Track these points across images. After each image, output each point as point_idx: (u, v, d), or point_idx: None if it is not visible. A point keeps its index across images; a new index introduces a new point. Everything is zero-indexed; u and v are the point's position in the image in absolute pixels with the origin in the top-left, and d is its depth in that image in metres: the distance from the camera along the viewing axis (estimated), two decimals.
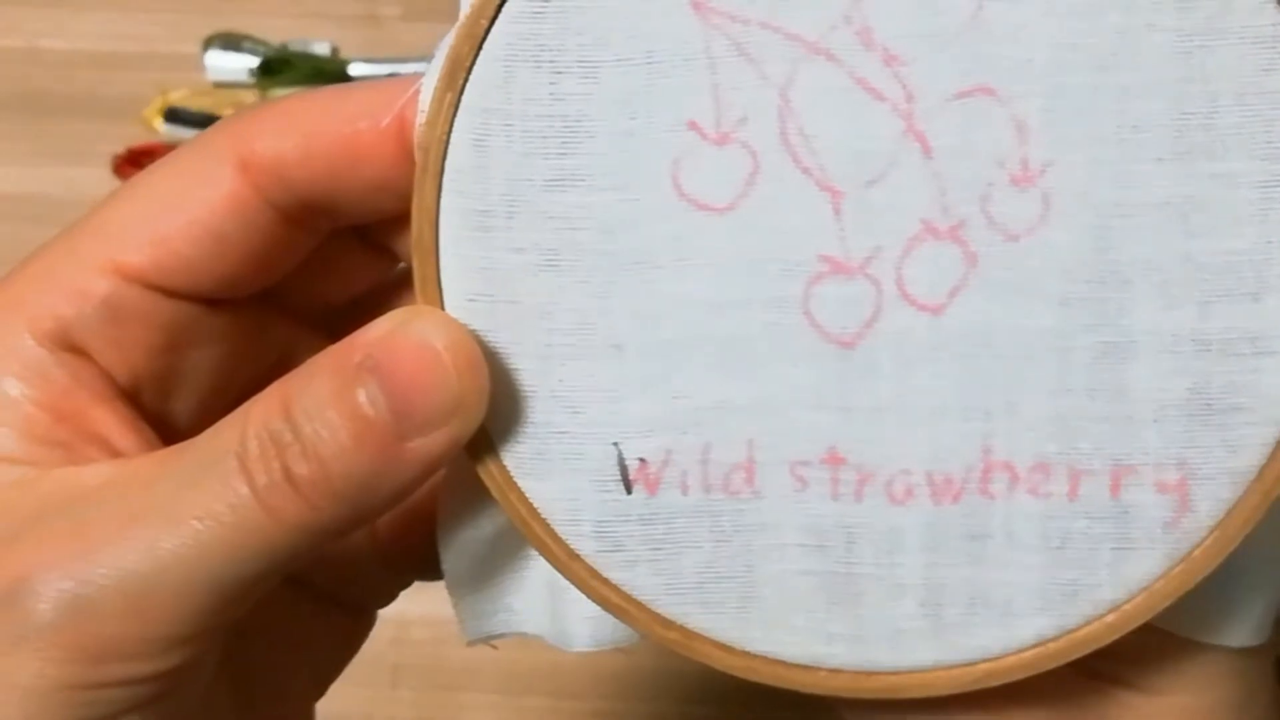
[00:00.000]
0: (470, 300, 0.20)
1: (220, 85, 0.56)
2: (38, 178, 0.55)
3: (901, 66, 0.19)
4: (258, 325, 0.24)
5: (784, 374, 0.20)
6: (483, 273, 0.20)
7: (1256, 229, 0.19)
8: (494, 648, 0.24)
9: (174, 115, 0.54)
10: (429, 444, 0.19)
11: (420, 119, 0.20)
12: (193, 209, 0.21)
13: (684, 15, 0.19)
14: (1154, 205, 0.19)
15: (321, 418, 0.19)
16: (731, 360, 0.20)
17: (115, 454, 0.21)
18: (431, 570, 0.25)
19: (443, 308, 0.20)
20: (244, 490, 0.19)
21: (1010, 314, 0.19)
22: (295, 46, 0.56)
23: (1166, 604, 0.20)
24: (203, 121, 0.54)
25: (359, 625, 0.27)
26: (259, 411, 0.19)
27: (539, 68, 0.19)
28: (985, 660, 0.20)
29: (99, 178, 0.53)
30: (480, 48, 0.19)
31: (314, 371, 0.19)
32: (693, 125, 0.19)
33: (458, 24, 0.20)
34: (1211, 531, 0.20)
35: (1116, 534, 0.20)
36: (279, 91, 0.53)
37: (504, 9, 0.19)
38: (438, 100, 0.19)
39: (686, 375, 0.20)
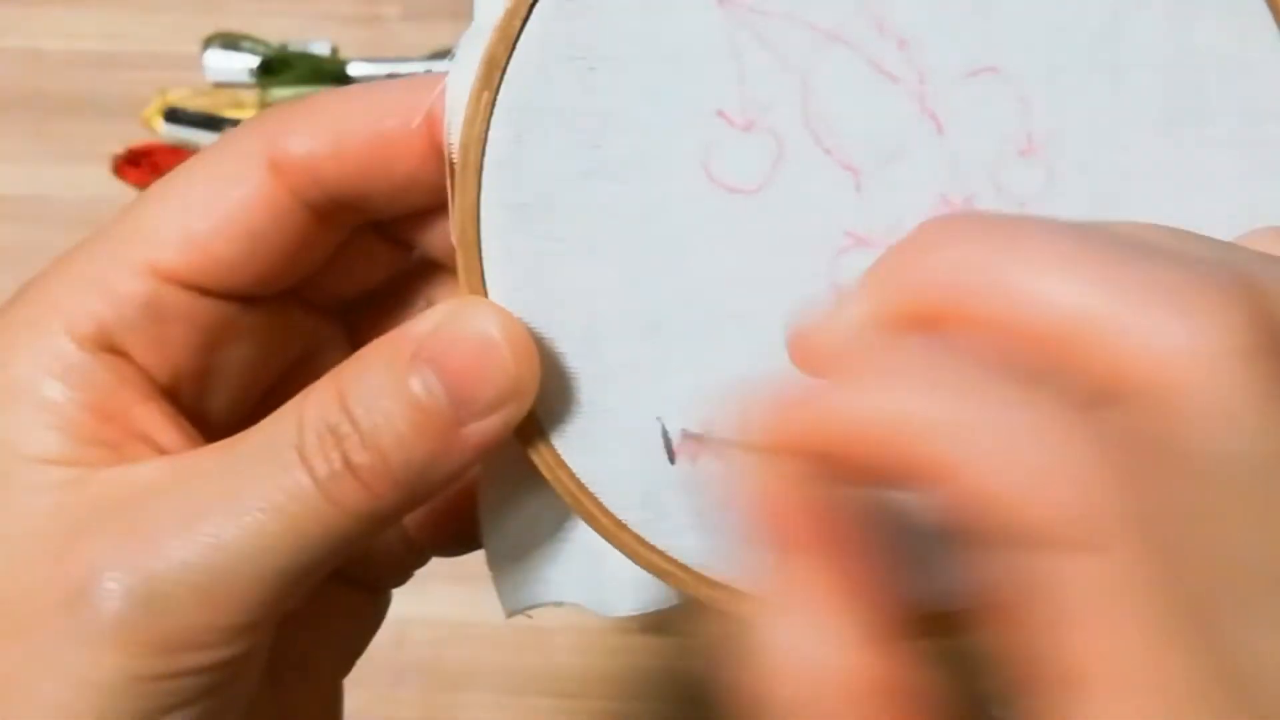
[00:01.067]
0: (514, 289, 0.21)
1: (220, 85, 0.56)
2: (38, 177, 0.55)
3: (913, 51, 0.20)
4: (285, 320, 0.24)
5: None
6: (525, 263, 0.21)
7: (1240, 187, 0.20)
8: (529, 617, 0.24)
9: (174, 115, 0.54)
10: (485, 428, 0.20)
11: (448, 116, 0.21)
12: (227, 208, 0.22)
13: (709, 10, 0.20)
14: (1147, 170, 0.20)
15: (379, 408, 0.20)
16: (764, 334, 0.21)
17: (160, 451, 0.21)
18: (451, 549, 0.27)
19: (487, 298, 0.21)
20: (306, 480, 0.20)
21: None
22: (295, 46, 0.56)
23: None
24: (202, 121, 0.54)
25: (378, 604, 0.28)
26: (315, 403, 0.20)
27: (571, 64, 0.20)
28: None
29: (99, 177, 0.54)
30: (514, 47, 0.20)
31: (368, 363, 0.20)
32: (720, 114, 0.20)
33: (480, 20, 0.20)
34: None
35: None
36: (279, 91, 0.54)
37: (535, 9, 0.20)
38: (475, 99, 0.20)
39: (723, 350, 0.21)
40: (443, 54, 0.55)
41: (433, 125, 0.21)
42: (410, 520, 0.27)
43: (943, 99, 0.20)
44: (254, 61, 0.55)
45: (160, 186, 0.22)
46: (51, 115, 0.56)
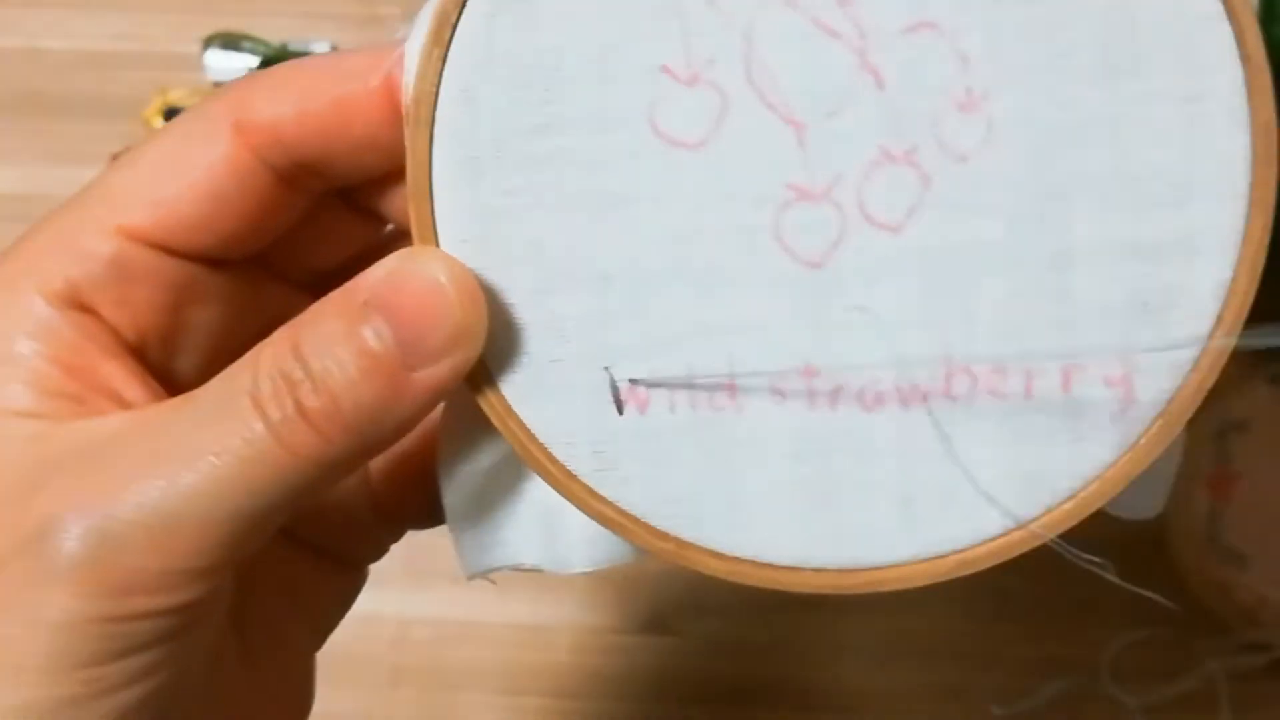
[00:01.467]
0: (464, 240, 0.21)
1: (220, 85, 0.56)
2: (38, 177, 0.55)
3: (853, 6, 0.21)
4: (254, 287, 0.25)
5: (759, 296, 0.21)
6: (475, 214, 0.21)
7: (1180, 141, 0.21)
8: (492, 582, 0.25)
9: (174, 115, 0.54)
10: (434, 373, 0.20)
11: (406, 78, 0.21)
12: (193, 171, 0.22)
13: None
14: (1086, 124, 0.21)
15: (330, 354, 0.20)
16: (710, 285, 0.21)
17: (125, 406, 0.22)
18: (422, 520, 0.27)
19: (439, 248, 0.21)
20: (259, 426, 0.20)
21: (963, 230, 0.21)
22: (295, 46, 0.56)
23: (1119, 489, 0.21)
24: None
25: (353, 579, 0.29)
26: (269, 353, 0.21)
27: (519, 20, 0.21)
28: (956, 552, 0.22)
29: None
30: (464, 5, 0.21)
31: (321, 312, 0.21)
32: (665, 69, 0.21)
33: None
34: (1155, 420, 0.21)
35: (1070, 427, 0.21)
36: None
37: None
38: (426, 55, 0.21)
39: (670, 301, 0.21)
40: None
41: (392, 88, 0.22)
42: (379, 488, 0.27)
43: (882, 54, 0.21)
44: (254, 61, 0.55)
45: (130, 152, 0.23)
46: (51, 115, 0.56)
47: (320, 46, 0.56)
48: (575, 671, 0.47)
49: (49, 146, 0.56)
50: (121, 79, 0.56)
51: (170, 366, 0.24)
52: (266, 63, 0.55)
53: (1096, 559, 0.21)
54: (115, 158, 0.53)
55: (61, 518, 0.20)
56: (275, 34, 0.56)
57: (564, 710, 0.46)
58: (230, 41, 0.56)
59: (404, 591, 0.47)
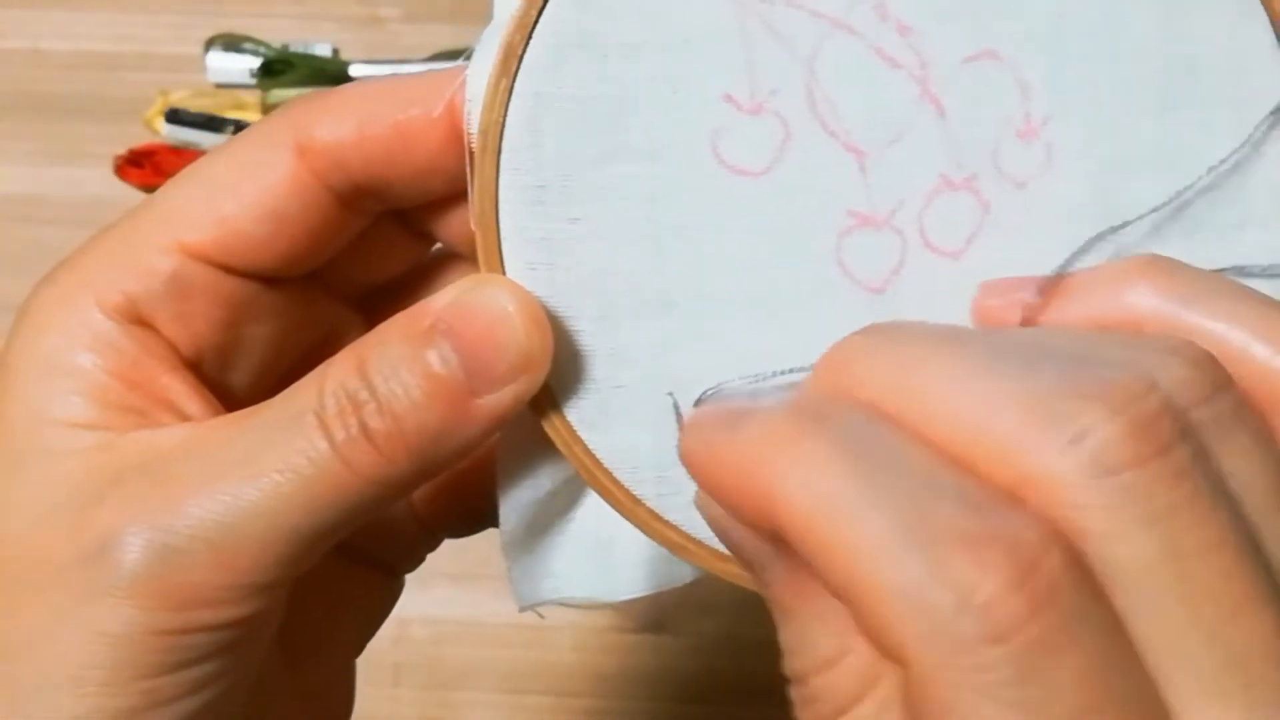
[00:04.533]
0: (530, 268, 0.21)
1: (221, 86, 0.56)
2: (40, 178, 0.55)
3: (915, 37, 0.21)
4: (307, 303, 0.25)
5: (821, 320, 0.21)
6: (541, 242, 0.21)
7: (1232, 168, 0.21)
8: (540, 615, 0.25)
9: (175, 116, 0.54)
10: (498, 400, 0.20)
11: (469, 106, 0.21)
12: (254, 191, 0.22)
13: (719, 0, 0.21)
14: (1145, 151, 0.21)
15: (396, 376, 0.20)
16: (773, 310, 0.22)
17: (184, 419, 0.22)
18: (460, 529, 0.27)
19: (505, 275, 0.22)
20: (323, 445, 0.20)
21: (1022, 254, 0.21)
22: (296, 48, 0.56)
23: None
24: (204, 122, 0.54)
25: (393, 587, 0.29)
26: (335, 373, 0.21)
27: (585, 52, 0.21)
28: None
29: (101, 178, 0.54)
30: (530, 36, 0.21)
31: (387, 334, 0.21)
32: (728, 98, 0.21)
33: (500, 18, 0.21)
34: None
35: None
36: (280, 92, 0.54)
37: (550, 0, 0.21)
38: (493, 86, 0.21)
39: (733, 326, 0.22)
40: (443, 55, 0.55)
41: (454, 115, 0.22)
42: (420, 498, 0.27)
43: (943, 83, 0.21)
44: (255, 63, 0.55)
45: (190, 169, 0.23)
46: (54, 116, 0.56)
47: (321, 48, 0.56)
48: (575, 670, 0.47)
49: (51, 147, 0.56)
50: (123, 80, 0.57)
51: (225, 380, 0.24)
52: (268, 64, 0.55)
53: None
54: (118, 159, 0.53)
55: (123, 530, 0.20)
56: (277, 35, 0.56)
57: (564, 709, 0.46)
58: (232, 43, 0.56)
59: (405, 590, 0.47)
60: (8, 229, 0.54)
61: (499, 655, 0.47)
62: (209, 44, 0.56)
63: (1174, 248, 0.21)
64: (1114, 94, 0.21)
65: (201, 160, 0.23)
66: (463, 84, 0.22)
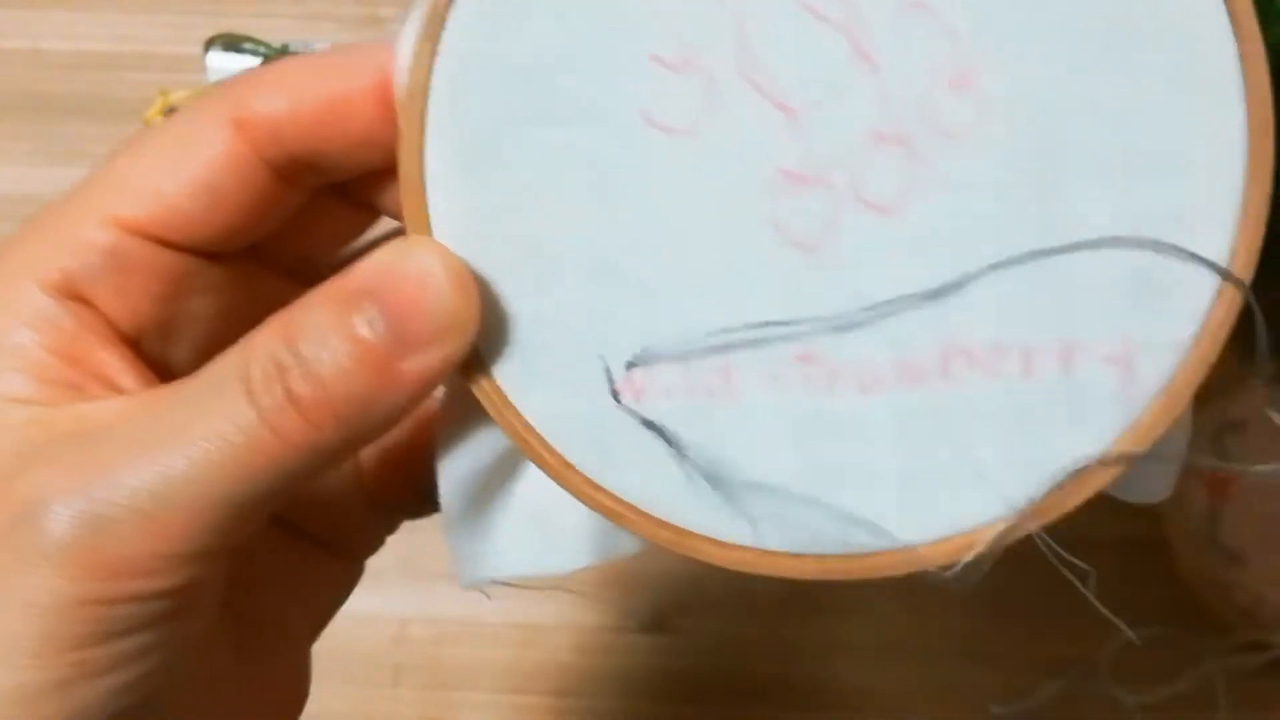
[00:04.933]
0: (457, 232, 0.21)
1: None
2: (39, 178, 0.55)
3: None
4: (249, 279, 0.25)
5: (756, 280, 0.21)
6: (469, 206, 0.21)
7: (1170, 114, 0.21)
8: (486, 595, 0.25)
9: None
10: (425, 362, 0.20)
11: (398, 74, 0.21)
12: (191, 165, 0.22)
13: None
14: (1078, 100, 0.21)
15: (322, 342, 0.20)
16: (706, 272, 0.21)
17: (120, 393, 0.22)
18: (415, 510, 0.27)
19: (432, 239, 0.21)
20: (249, 412, 0.20)
21: (958, 210, 0.21)
22: (296, 47, 0.56)
23: (1121, 469, 0.21)
24: None
25: (350, 571, 0.29)
26: (261, 340, 0.21)
27: (510, 13, 0.21)
28: (962, 534, 0.21)
29: None
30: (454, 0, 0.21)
31: (313, 301, 0.21)
32: (655, 57, 0.21)
33: None
34: (1157, 397, 0.21)
35: (1071, 407, 0.21)
36: None
37: None
38: (418, 50, 0.21)
39: (665, 288, 0.21)
40: None
41: (386, 85, 0.22)
42: (370, 476, 0.27)
43: (873, 36, 0.21)
44: (255, 62, 0.55)
45: (128, 145, 0.23)
46: (53, 116, 0.56)
47: (321, 47, 0.56)
48: (575, 670, 0.47)
49: (50, 147, 0.56)
50: (123, 80, 0.57)
51: (166, 356, 0.24)
52: (268, 64, 0.55)
53: (1081, 564, 0.21)
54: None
55: (51, 499, 0.20)
56: (276, 35, 0.56)
57: (564, 709, 0.46)
58: (232, 43, 0.56)
59: (404, 591, 0.47)
60: (7, 229, 0.54)
61: (499, 655, 0.47)
62: (209, 44, 0.56)
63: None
64: (1044, 41, 0.21)
65: (138, 136, 0.23)
66: (394, 53, 0.22)
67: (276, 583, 0.26)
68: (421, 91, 0.21)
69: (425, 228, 0.21)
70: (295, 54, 0.56)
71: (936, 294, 0.21)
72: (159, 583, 0.20)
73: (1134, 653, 0.43)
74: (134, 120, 0.55)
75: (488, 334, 0.21)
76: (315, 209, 0.25)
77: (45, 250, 0.22)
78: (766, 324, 0.21)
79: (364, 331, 0.20)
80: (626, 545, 0.23)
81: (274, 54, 0.55)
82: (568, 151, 0.21)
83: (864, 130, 0.21)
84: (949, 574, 0.21)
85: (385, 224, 0.26)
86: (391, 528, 0.29)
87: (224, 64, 0.56)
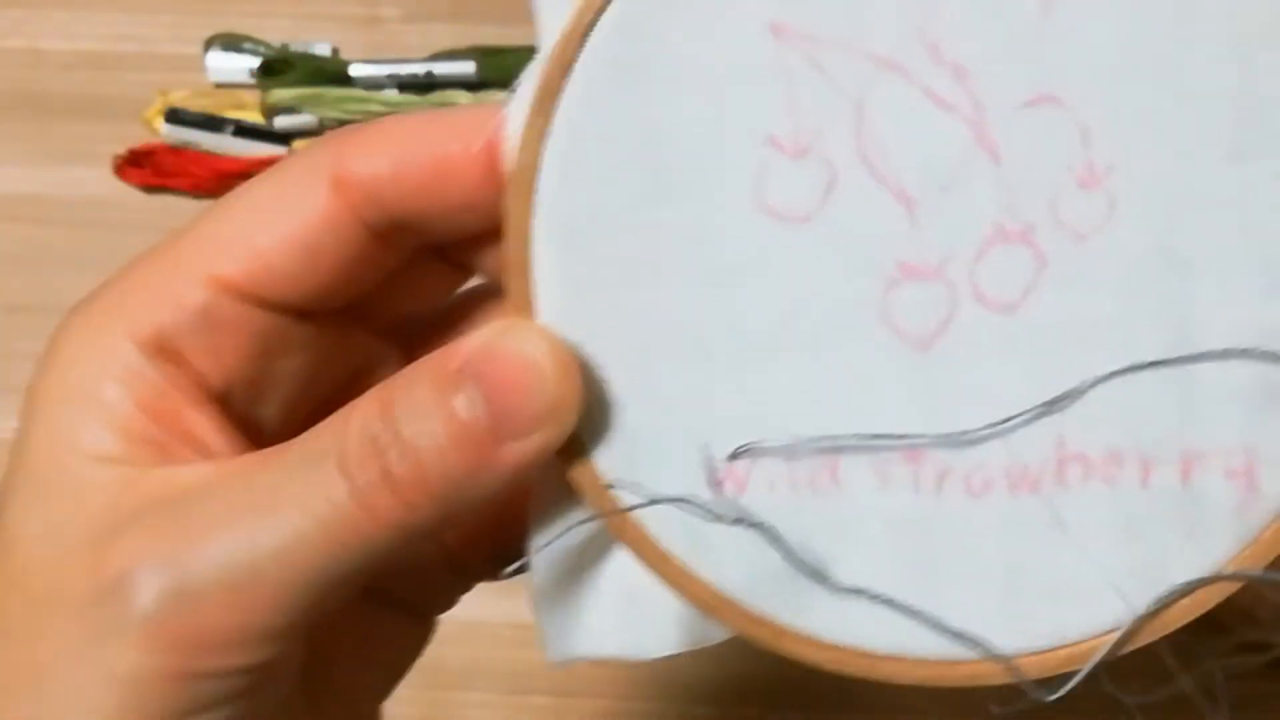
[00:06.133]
0: (562, 312, 0.21)
1: (221, 86, 0.56)
2: (39, 178, 0.55)
3: (970, 79, 0.20)
4: (341, 336, 0.24)
5: (865, 374, 0.21)
6: (575, 286, 0.21)
7: None
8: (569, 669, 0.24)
9: (175, 116, 0.54)
10: (524, 448, 0.20)
11: (510, 143, 0.21)
12: (288, 225, 0.22)
13: (762, 36, 0.20)
14: (1214, 202, 0.20)
15: (421, 421, 0.20)
16: (814, 363, 0.21)
17: (208, 454, 0.22)
18: (492, 573, 0.27)
19: (534, 319, 0.21)
20: (343, 488, 0.20)
21: (1080, 310, 0.20)
22: (296, 47, 0.56)
23: (1237, 586, 0.21)
24: (204, 122, 0.54)
25: (422, 629, 0.28)
26: (359, 415, 0.20)
27: (624, 90, 0.20)
28: (1065, 646, 0.21)
29: (100, 178, 0.54)
30: (569, 74, 0.20)
31: (414, 378, 0.20)
32: (772, 140, 0.20)
33: (544, 52, 0.21)
34: (1278, 514, 0.21)
35: (1187, 519, 0.21)
36: (280, 92, 0.54)
37: (590, 37, 0.20)
38: (530, 126, 0.20)
39: (772, 378, 0.21)
40: (443, 55, 0.55)
41: (493, 151, 0.21)
42: (455, 540, 0.27)
43: (1000, 128, 0.20)
44: (255, 62, 0.55)
45: (226, 199, 0.23)
46: (52, 116, 0.56)
47: (321, 48, 0.56)
48: (575, 670, 0.47)
49: (50, 147, 0.56)
50: (123, 80, 0.56)
51: (254, 414, 0.24)
52: (268, 64, 0.55)
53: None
54: (117, 159, 0.53)
55: (138, 569, 0.20)
56: (276, 35, 0.56)
57: (565, 709, 0.46)
58: (231, 43, 0.56)
59: None
60: (7, 229, 0.54)
61: (499, 655, 0.47)
62: (209, 44, 0.56)
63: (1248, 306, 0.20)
64: (1182, 140, 0.20)
65: (237, 191, 0.23)
66: (503, 120, 0.21)
67: (351, 647, 0.26)
68: (531, 167, 0.21)
69: (529, 309, 0.21)
70: (296, 54, 0.56)
71: (1055, 403, 0.21)
72: (242, 658, 0.20)
73: (1132, 652, 0.43)
74: (133, 120, 0.55)
75: (587, 415, 0.21)
76: (411, 269, 0.24)
77: (138, 304, 0.22)
78: (880, 436, 0.21)
79: (464, 413, 0.20)
80: (716, 634, 0.23)
81: (273, 53, 0.55)
82: (678, 233, 0.21)
83: (987, 225, 0.20)
84: (1047, 693, 0.21)
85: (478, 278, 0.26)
86: (467, 588, 0.28)
87: (224, 64, 0.56)
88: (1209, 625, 0.43)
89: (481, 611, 0.47)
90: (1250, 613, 0.43)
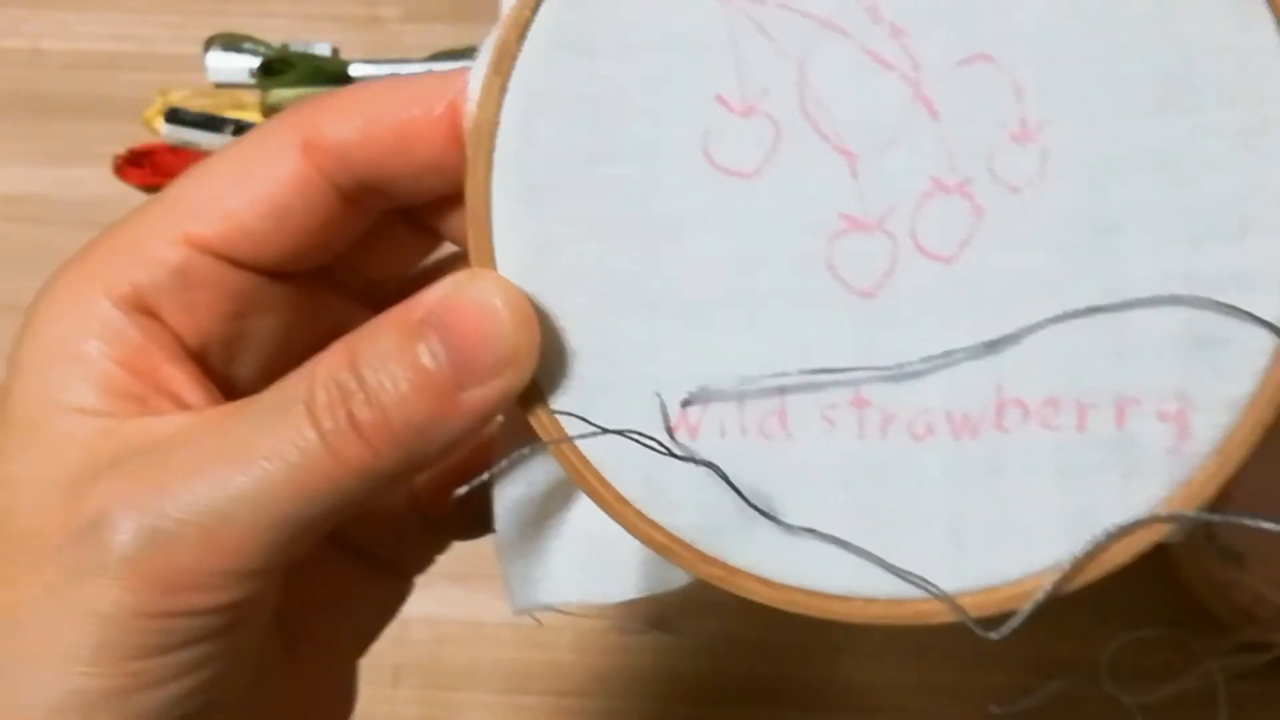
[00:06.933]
0: (521, 265, 0.22)
1: (221, 86, 0.56)
2: (38, 178, 0.55)
3: (908, 39, 0.21)
4: (314, 298, 0.25)
5: (811, 324, 0.21)
6: (532, 240, 0.22)
7: (1235, 173, 0.20)
8: (538, 621, 0.25)
9: (175, 116, 0.54)
10: (484, 394, 0.21)
11: (468, 105, 0.22)
12: (261, 186, 0.23)
13: (708, 1, 0.21)
14: (1141, 156, 0.21)
15: (385, 369, 0.21)
16: (763, 313, 0.21)
17: (185, 408, 0.23)
18: (467, 531, 0.28)
19: (496, 271, 0.22)
20: (311, 434, 0.21)
21: (1015, 261, 0.21)
22: (296, 47, 0.56)
23: (1171, 528, 0.21)
24: (204, 122, 0.54)
25: (399, 588, 0.29)
26: (326, 364, 0.21)
27: (578, 52, 0.21)
28: (1007, 585, 0.21)
29: (100, 178, 0.54)
30: (524, 36, 0.21)
31: (378, 328, 0.21)
32: (720, 99, 0.21)
33: (502, 17, 0.21)
34: (1211, 456, 0.21)
35: (1123, 462, 0.21)
36: (280, 92, 0.54)
37: (545, 1, 0.21)
38: (487, 85, 0.21)
39: (722, 329, 0.22)
40: (443, 55, 0.55)
41: (455, 115, 0.22)
42: (426, 497, 0.28)
43: (937, 86, 0.21)
44: (255, 62, 0.55)
45: (199, 165, 0.24)
46: (52, 116, 0.56)
47: (321, 47, 0.56)
48: (576, 671, 0.47)
49: (50, 147, 0.56)
50: (123, 80, 0.56)
51: (230, 372, 0.24)
52: (268, 64, 0.55)
53: None
54: (117, 158, 0.53)
55: (114, 512, 0.20)
56: (276, 35, 0.56)
57: (564, 709, 0.46)
58: (231, 42, 0.56)
59: None
60: (7, 229, 0.54)
61: (499, 655, 0.47)
62: (209, 44, 0.56)
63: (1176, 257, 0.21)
64: (1109, 96, 0.21)
65: (211, 157, 0.24)
66: (465, 84, 0.22)
67: (327, 599, 0.27)
68: (489, 126, 0.21)
69: (489, 261, 0.22)
70: (296, 54, 0.56)
71: (993, 346, 0.21)
72: (215, 598, 0.21)
73: (1134, 653, 0.43)
74: (133, 120, 0.55)
75: (547, 366, 0.22)
76: (380, 233, 0.25)
77: (116, 264, 0.23)
78: (824, 370, 0.21)
79: (426, 361, 0.21)
80: (677, 578, 0.23)
81: (274, 54, 0.55)
82: (630, 189, 0.21)
83: (925, 179, 0.21)
84: (991, 630, 0.21)
85: (449, 247, 0.27)
86: (442, 547, 0.29)
87: (224, 64, 0.56)
88: (1209, 625, 0.43)
89: (482, 611, 0.47)
90: (1250, 613, 0.43)
